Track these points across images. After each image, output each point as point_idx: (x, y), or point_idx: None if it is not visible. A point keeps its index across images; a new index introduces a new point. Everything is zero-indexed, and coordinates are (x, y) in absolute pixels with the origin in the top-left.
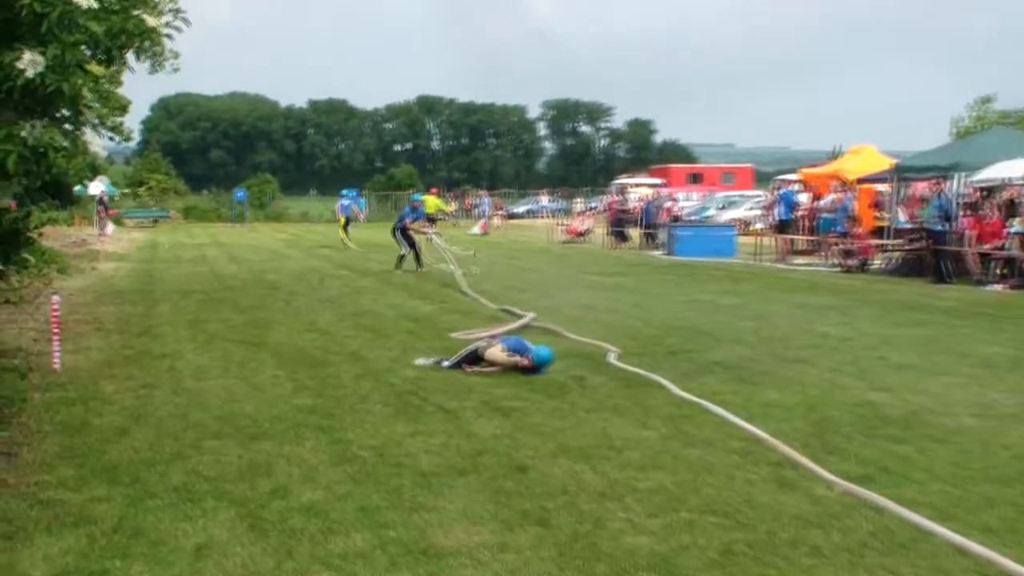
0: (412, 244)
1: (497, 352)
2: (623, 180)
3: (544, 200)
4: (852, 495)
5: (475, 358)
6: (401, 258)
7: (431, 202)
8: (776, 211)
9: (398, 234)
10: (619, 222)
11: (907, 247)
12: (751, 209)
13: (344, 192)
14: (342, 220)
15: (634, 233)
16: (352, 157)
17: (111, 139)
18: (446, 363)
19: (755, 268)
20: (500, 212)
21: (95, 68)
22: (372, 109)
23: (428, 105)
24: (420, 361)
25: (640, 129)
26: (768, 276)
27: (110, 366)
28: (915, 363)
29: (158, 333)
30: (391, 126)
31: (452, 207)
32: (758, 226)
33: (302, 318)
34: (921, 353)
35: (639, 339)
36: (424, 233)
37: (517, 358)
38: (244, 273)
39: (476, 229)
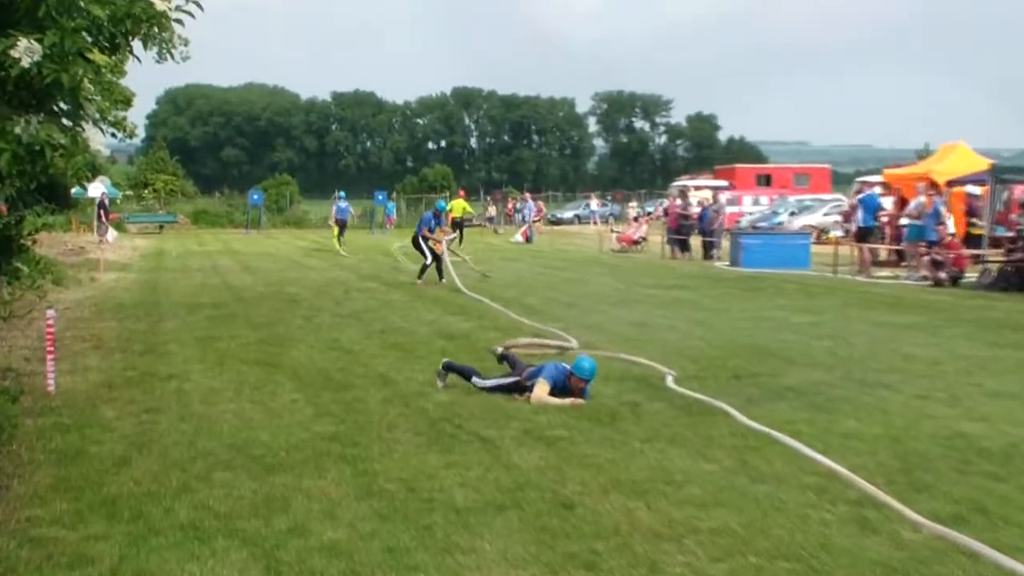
0: (435, 254)
1: (544, 395)
2: (683, 182)
3: (594, 204)
4: (942, 539)
5: (518, 389)
6: (424, 268)
7: (457, 205)
8: (856, 217)
9: (421, 243)
10: (679, 229)
11: (1006, 258)
12: (827, 215)
13: (340, 194)
14: (335, 228)
15: (695, 242)
16: (380, 156)
17: (113, 135)
18: (481, 383)
19: (832, 281)
20: (537, 217)
21: (98, 57)
22: (402, 103)
23: (465, 98)
24: (440, 383)
25: (702, 125)
26: (847, 290)
27: (110, 388)
28: (1014, 390)
29: (164, 352)
30: (423, 121)
31: (490, 211)
32: (835, 234)
33: (324, 335)
34: (1022, 379)
35: (700, 361)
36: (438, 243)
37: (569, 400)
38: (259, 285)
39: (518, 237)
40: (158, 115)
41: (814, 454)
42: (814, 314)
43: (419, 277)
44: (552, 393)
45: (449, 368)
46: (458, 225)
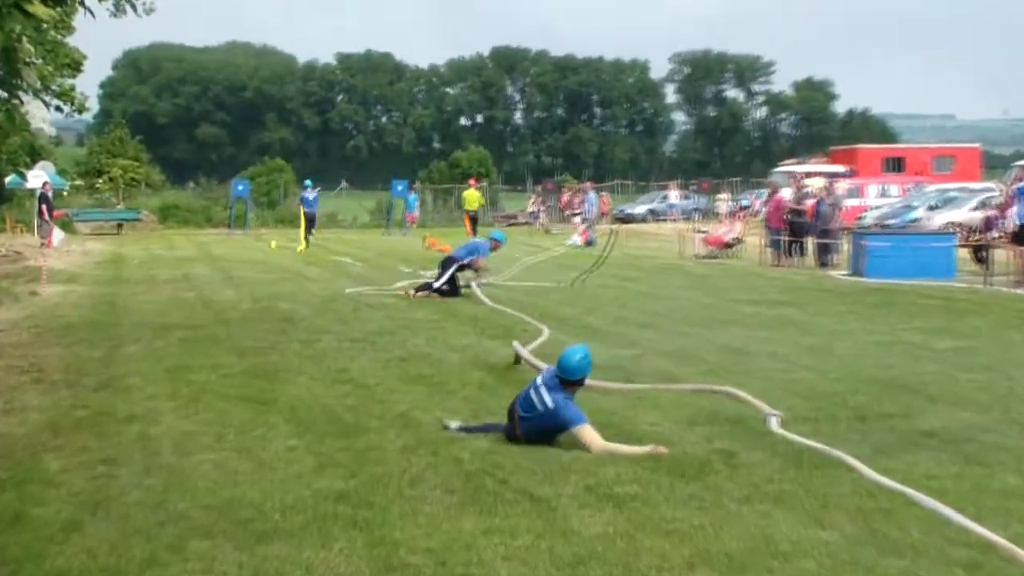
0: (456, 287)
1: (600, 440)
2: (789, 167)
3: (674, 196)
4: None
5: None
6: (429, 287)
7: (471, 197)
8: (1015, 212)
9: (451, 270)
10: (785, 228)
11: None
12: (977, 209)
13: (307, 183)
14: (303, 220)
15: (806, 244)
16: (400, 135)
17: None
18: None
19: (984, 295)
20: (595, 215)
21: (38, 8)
22: (427, 67)
23: (507, 60)
24: (452, 425)
25: (813, 94)
26: (1004, 306)
27: (55, 433)
28: None
29: (124, 386)
30: (455, 91)
31: (533, 205)
32: (991, 234)
33: (328, 365)
34: None
35: (813, 397)
36: (478, 272)
37: (647, 448)
38: (246, 300)
39: (575, 238)
40: (115, 83)
41: (963, 519)
42: (961, 338)
43: (417, 290)
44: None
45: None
46: (473, 221)
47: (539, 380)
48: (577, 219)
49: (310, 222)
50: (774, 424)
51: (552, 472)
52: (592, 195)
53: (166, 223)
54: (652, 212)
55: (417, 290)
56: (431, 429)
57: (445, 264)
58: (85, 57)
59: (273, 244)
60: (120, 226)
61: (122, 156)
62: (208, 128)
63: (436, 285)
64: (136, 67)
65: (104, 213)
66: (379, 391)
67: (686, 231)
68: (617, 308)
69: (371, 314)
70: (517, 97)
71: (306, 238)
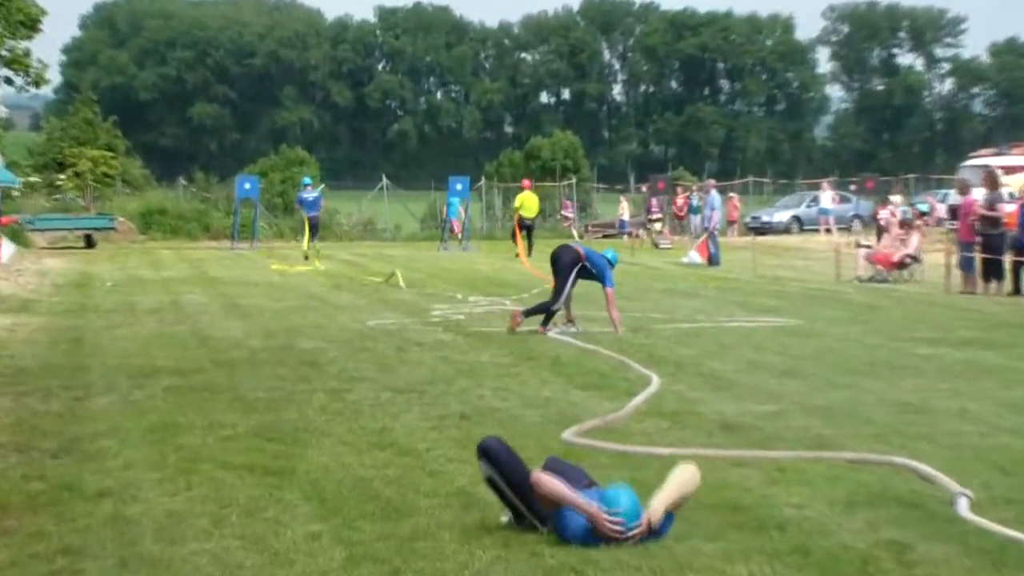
0: (560, 294)
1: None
2: (985, 160)
3: (826, 198)
4: None
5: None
6: (544, 310)
7: (528, 202)
8: None
9: (570, 277)
10: (979, 243)
11: None
12: None
13: (305, 181)
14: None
15: (1007, 262)
16: (459, 116)
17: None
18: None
19: None
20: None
21: None
22: (497, 25)
23: (604, 17)
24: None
25: (1018, 61)
26: None
27: (2, 513)
28: None
29: (92, 450)
30: (534, 57)
31: (622, 209)
32: None
33: (364, 423)
34: None
35: (1018, 472)
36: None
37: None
38: (255, 336)
39: (693, 255)
40: (83, 48)
41: None
42: None
43: (529, 313)
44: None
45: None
46: (527, 229)
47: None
48: (657, 225)
49: (313, 228)
50: (963, 507)
51: (663, 565)
52: (715, 196)
53: (149, 233)
54: (797, 220)
55: (527, 313)
56: (499, 510)
57: (563, 272)
58: (44, 13)
59: (275, 266)
60: (89, 237)
61: (91, 144)
62: (205, 107)
63: (555, 306)
64: (111, 26)
65: (68, 220)
66: (431, 459)
67: (843, 245)
68: (750, 349)
69: (421, 355)
70: (616, 66)
71: (310, 241)
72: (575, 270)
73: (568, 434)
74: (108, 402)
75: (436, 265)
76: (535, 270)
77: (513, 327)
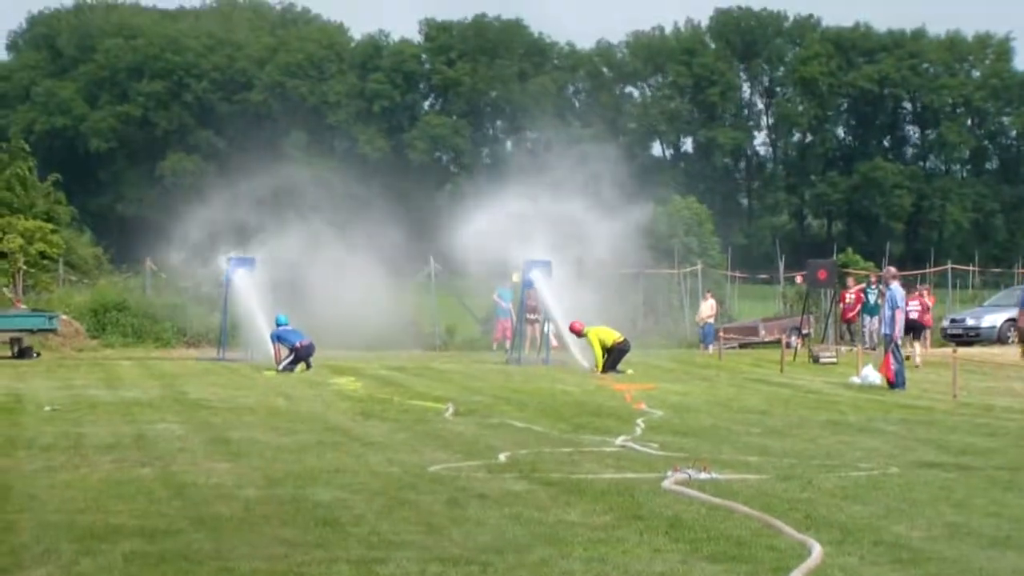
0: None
1: None
2: None
3: None
4: None
5: None
6: None
7: (604, 334)
8: None
9: None
10: None
11: None
12: None
13: (280, 320)
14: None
15: None
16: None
17: None
18: None
19: None
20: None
21: None
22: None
23: (741, 36)
24: None
25: None
26: None
27: None
28: None
29: None
30: (642, 91)
31: (711, 311)
32: None
33: None
34: None
35: None
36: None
37: None
38: (251, 483)
39: (868, 374)
40: (11, 78)
41: None
42: None
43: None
44: None
45: None
46: (616, 353)
47: None
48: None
49: (306, 357)
50: None
51: None
52: (898, 290)
53: (104, 337)
54: (1013, 325)
55: None
56: None
57: None
58: None
59: (268, 372)
60: (19, 342)
61: (24, 212)
62: (182, 160)
63: None
64: (51, 47)
65: None
66: None
67: None
68: (951, 509)
69: (483, 512)
70: (760, 105)
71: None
72: None
73: None
74: (44, 575)
75: (505, 385)
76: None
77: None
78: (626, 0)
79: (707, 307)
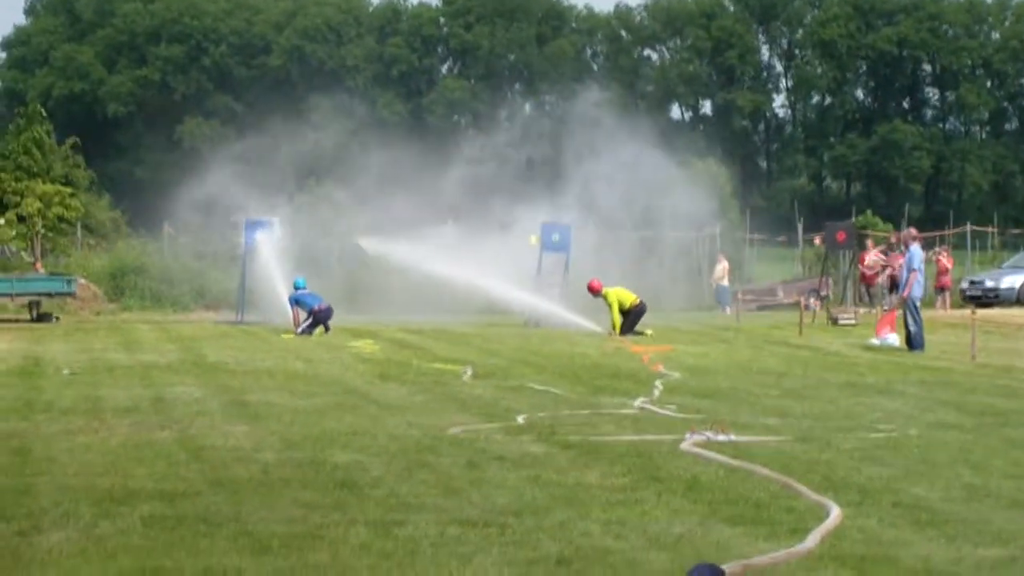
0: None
1: None
2: None
3: None
4: None
5: None
6: None
7: (622, 295)
8: None
9: None
10: None
11: None
12: None
13: (298, 283)
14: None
15: None
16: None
17: None
18: None
19: None
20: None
21: None
22: (610, 11)
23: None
24: None
25: None
26: None
27: None
28: None
29: None
30: (661, 54)
31: (724, 274)
32: None
33: (423, 569)
34: None
35: None
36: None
37: None
38: (269, 446)
39: (887, 334)
40: (30, 42)
41: None
42: None
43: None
44: None
45: None
46: (632, 316)
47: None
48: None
49: (325, 320)
50: None
51: None
52: (917, 251)
53: (122, 301)
54: None
55: None
56: None
57: None
58: None
59: (286, 336)
60: (38, 306)
61: (42, 176)
62: (200, 124)
63: None
64: (69, 12)
65: (8, 283)
66: None
67: None
68: (969, 470)
69: (503, 474)
70: (779, 67)
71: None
72: None
73: None
74: (64, 538)
75: (524, 347)
76: (638, 346)
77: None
78: None
79: (720, 269)
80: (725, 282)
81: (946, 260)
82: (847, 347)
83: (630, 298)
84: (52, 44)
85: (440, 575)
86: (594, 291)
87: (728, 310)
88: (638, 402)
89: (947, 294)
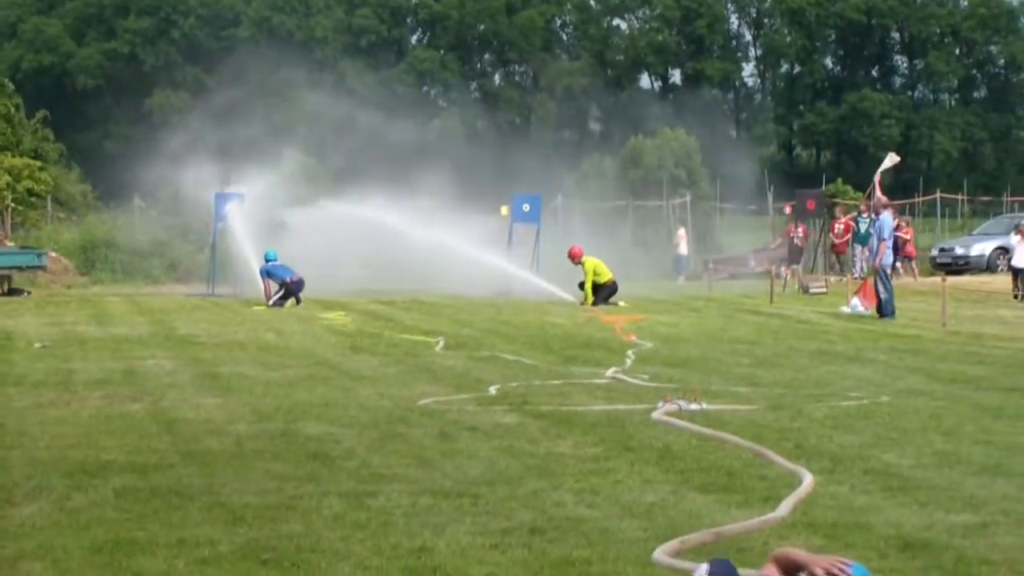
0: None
1: None
2: None
3: None
4: None
5: None
6: None
7: (599, 266)
8: None
9: None
10: None
11: None
12: None
13: (269, 255)
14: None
15: None
16: (527, 107)
17: None
18: None
19: None
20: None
21: None
22: None
23: None
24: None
25: None
26: None
27: None
28: None
29: None
30: (630, 23)
31: (681, 242)
32: None
33: (395, 540)
34: None
35: None
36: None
37: None
38: (242, 418)
39: (856, 304)
40: None
41: None
42: None
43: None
44: None
45: None
46: (605, 292)
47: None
48: (796, 267)
49: (296, 292)
50: None
51: None
52: (887, 219)
53: (93, 274)
54: (1004, 253)
55: None
56: None
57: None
58: None
59: (257, 308)
60: (8, 280)
61: (11, 150)
62: (169, 96)
63: None
64: None
65: None
66: None
67: None
68: (940, 437)
69: (475, 444)
70: (747, 36)
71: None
72: None
73: (661, 552)
74: (37, 511)
75: (495, 318)
76: (610, 316)
77: None
78: None
79: (677, 236)
80: (681, 250)
81: (904, 232)
82: (818, 315)
83: (607, 275)
84: (20, 17)
85: (413, 545)
86: (574, 257)
87: (681, 279)
88: (610, 372)
89: (913, 263)
